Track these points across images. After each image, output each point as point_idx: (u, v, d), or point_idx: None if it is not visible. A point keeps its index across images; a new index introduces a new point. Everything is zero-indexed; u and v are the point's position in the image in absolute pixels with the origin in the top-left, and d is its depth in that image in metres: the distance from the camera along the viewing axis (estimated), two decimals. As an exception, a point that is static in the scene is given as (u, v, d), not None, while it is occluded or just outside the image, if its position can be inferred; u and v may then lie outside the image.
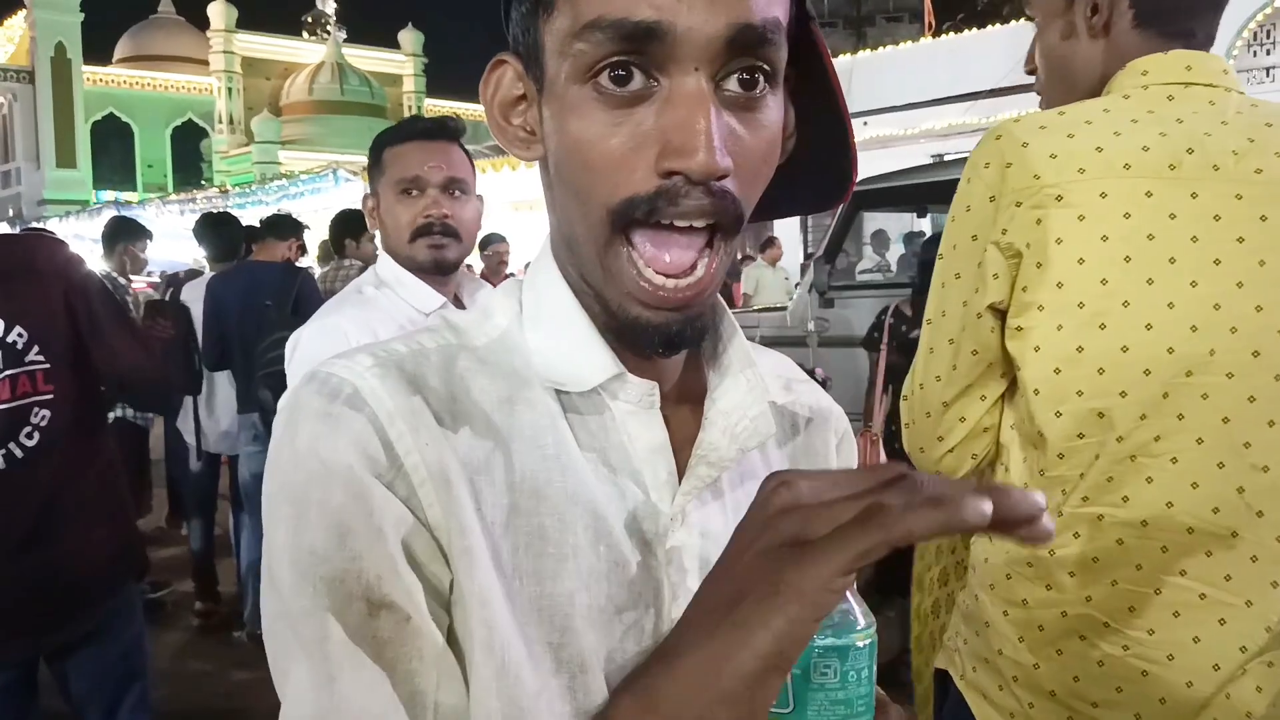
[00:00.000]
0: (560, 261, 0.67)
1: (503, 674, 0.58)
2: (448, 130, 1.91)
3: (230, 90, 36.70)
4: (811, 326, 5.57)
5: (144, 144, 39.09)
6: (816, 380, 0.86)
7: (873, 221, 8.57)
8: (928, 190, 5.48)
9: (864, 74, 12.77)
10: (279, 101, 37.47)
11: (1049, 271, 1.16)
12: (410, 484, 0.58)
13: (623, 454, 0.65)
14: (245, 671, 3.88)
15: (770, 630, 0.45)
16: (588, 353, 0.64)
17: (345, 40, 39.73)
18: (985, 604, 1.29)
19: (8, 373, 1.85)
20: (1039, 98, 1.39)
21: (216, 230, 4.68)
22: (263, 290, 3.90)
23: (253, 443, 4.05)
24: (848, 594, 0.52)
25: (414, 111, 37.77)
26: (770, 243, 10.23)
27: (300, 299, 3.86)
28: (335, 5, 41.50)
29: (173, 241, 12.52)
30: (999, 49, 11.92)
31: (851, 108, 0.68)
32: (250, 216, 7.03)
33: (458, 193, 1.87)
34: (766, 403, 0.69)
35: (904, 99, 12.61)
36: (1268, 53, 11.70)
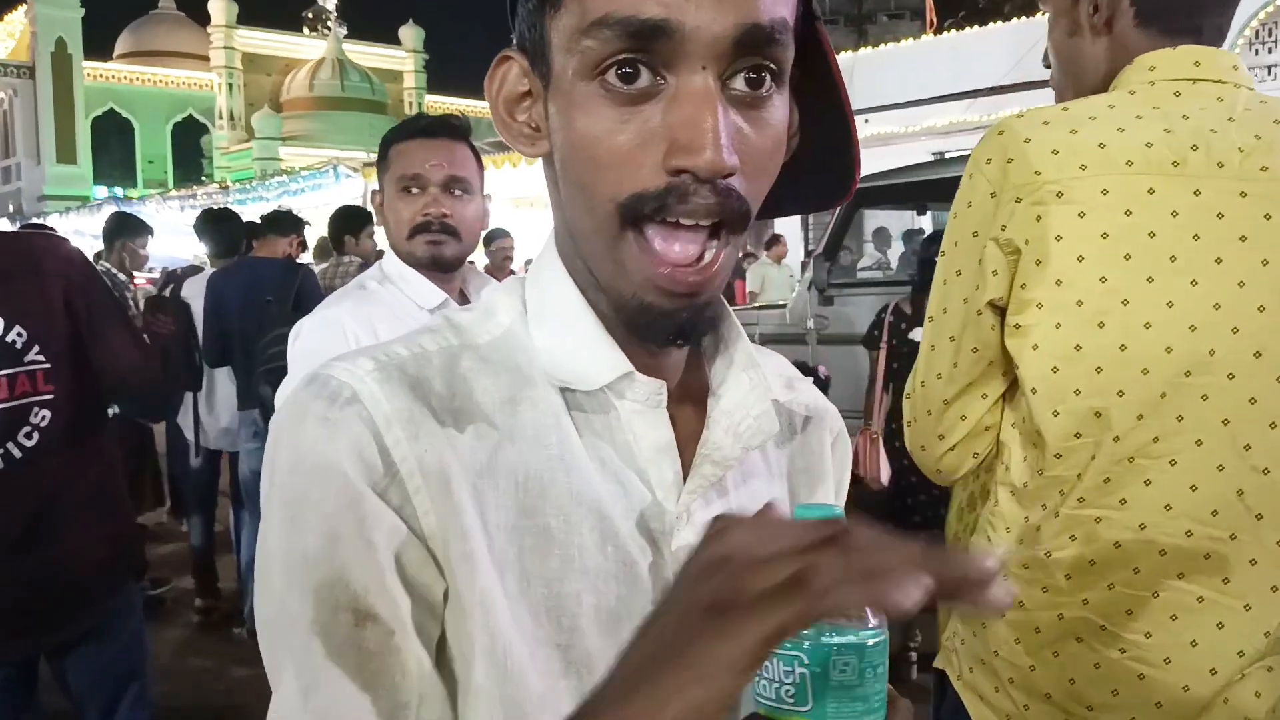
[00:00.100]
0: (565, 258, 0.67)
1: (505, 680, 0.58)
2: (451, 128, 1.91)
3: (231, 86, 36.70)
4: (811, 324, 5.58)
5: (144, 140, 39.08)
6: (819, 378, 0.86)
7: (873, 219, 8.57)
8: (928, 188, 5.47)
9: (865, 71, 12.74)
10: (279, 97, 37.45)
11: (1048, 269, 1.15)
12: (405, 491, 0.58)
13: (628, 453, 0.65)
14: (245, 668, 3.88)
15: (681, 702, 0.42)
16: (596, 351, 0.64)
17: (346, 36, 39.72)
18: None
19: (6, 372, 1.85)
20: (1039, 95, 1.38)
21: (217, 226, 4.68)
22: (263, 286, 3.90)
23: (253, 439, 4.05)
24: None
25: (414, 107, 37.80)
26: (776, 240, 10.23)
27: (301, 295, 3.86)
28: (336, 1, 41.48)
29: (173, 237, 12.52)
30: (1000, 47, 11.92)
31: (853, 105, 0.68)
32: (251, 213, 7.03)
33: (459, 191, 1.88)
34: (769, 401, 0.69)
35: (905, 96, 12.59)
36: (1269, 51, 11.68)
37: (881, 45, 16.04)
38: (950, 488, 1.40)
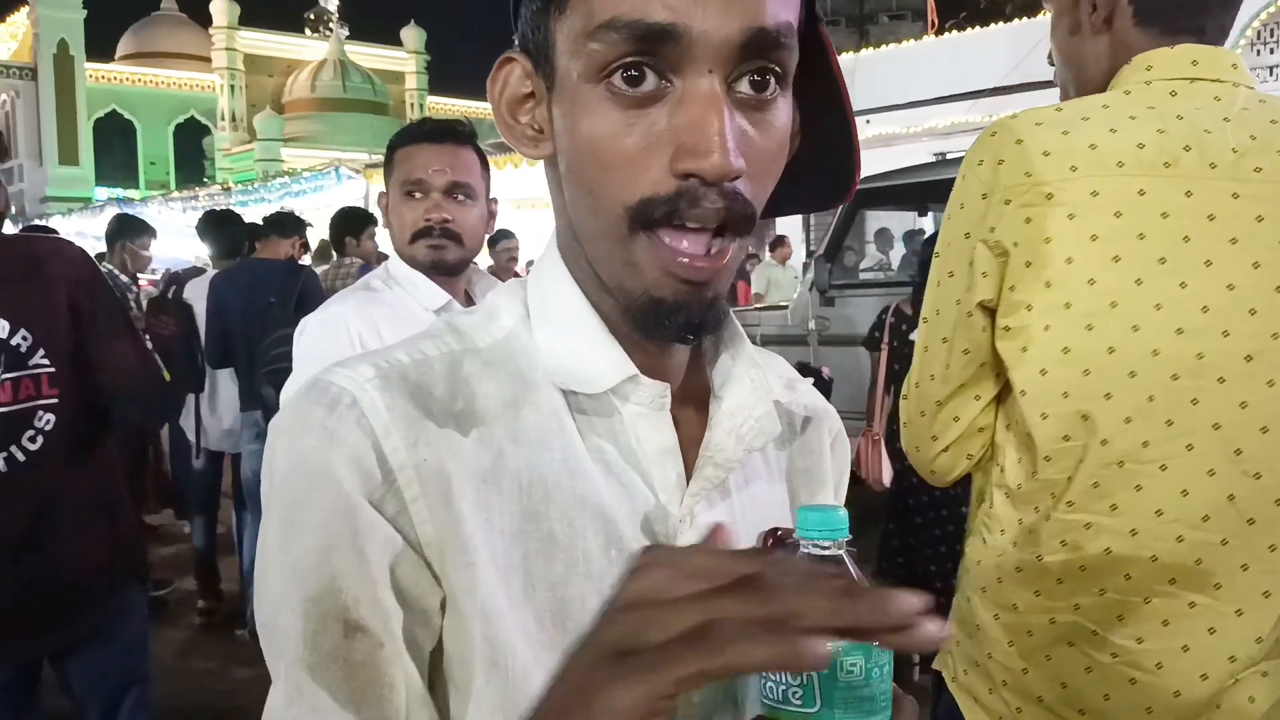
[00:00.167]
0: (568, 259, 0.67)
1: (507, 686, 0.58)
2: (455, 133, 1.92)
3: (233, 87, 36.73)
4: (812, 325, 5.57)
5: (146, 141, 39.13)
6: (822, 379, 0.86)
7: (875, 220, 8.57)
8: (930, 189, 5.46)
9: (866, 72, 12.74)
10: (281, 99, 37.49)
11: (1038, 271, 1.15)
12: (402, 500, 0.58)
13: (632, 456, 0.64)
14: (247, 669, 3.88)
15: None
16: (600, 353, 0.64)
17: (348, 37, 39.75)
18: (977, 607, 1.28)
19: (10, 375, 1.85)
20: (1041, 95, 1.38)
21: (220, 228, 4.68)
22: (266, 288, 3.90)
23: (255, 440, 4.05)
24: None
25: (416, 108, 37.84)
26: (780, 241, 10.22)
27: (304, 296, 3.86)
28: (338, 2, 41.52)
29: (175, 238, 12.52)
30: (1002, 47, 11.92)
31: (854, 106, 0.68)
32: (253, 214, 7.04)
33: (461, 196, 1.89)
34: (771, 402, 0.69)
35: (906, 97, 12.58)
36: (1271, 51, 11.67)
37: (883, 46, 16.04)
38: (953, 490, 1.40)
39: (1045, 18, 1.38)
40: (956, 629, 1.34)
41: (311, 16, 41.42)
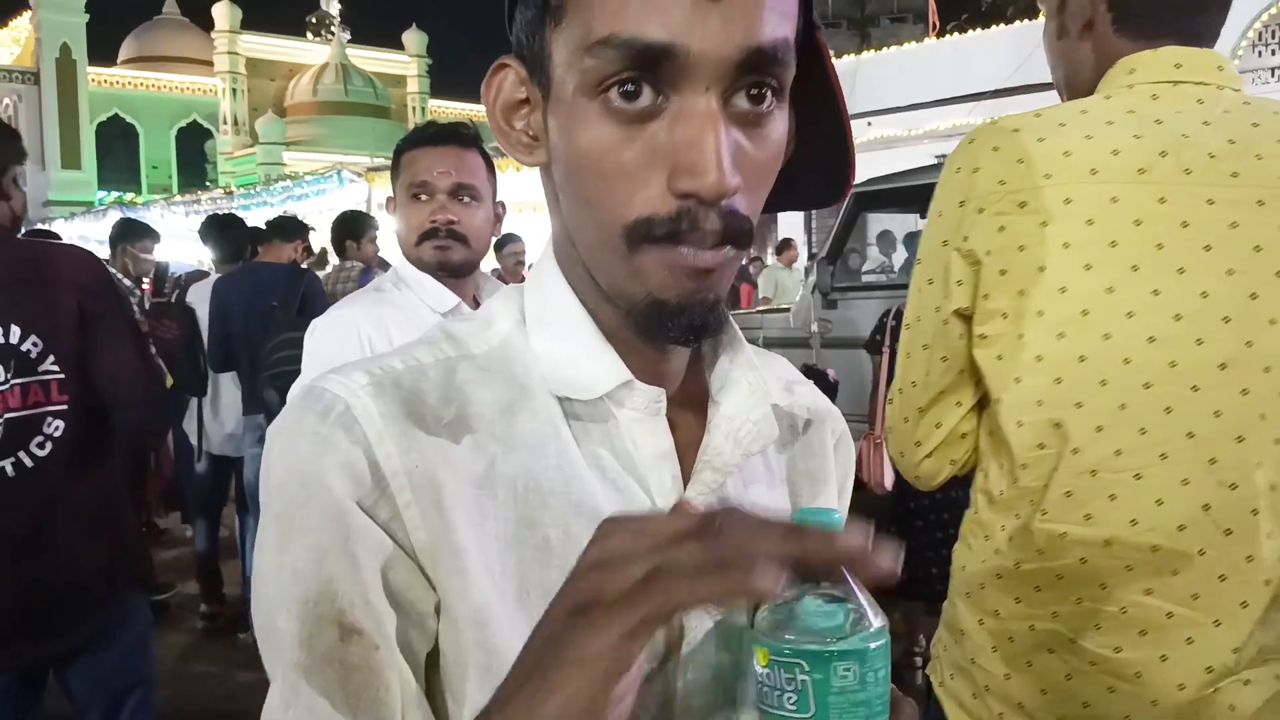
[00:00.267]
0: (564, 265, 0.67)
1: None
2: (459, 136, 1.94)
3: (235, 91, 36.76)
4: (814, 328, 5.57)
5: (149, 145, 39.15)
6: (828, 382, 0.86)
7: (877, 222, 8.57)
8: (931, 191, 5.44)
9: (868, 74, 12.75)
10: (283, 102, 37.51)
11: (1012, 279, 1.14)
12: (395, 506, 0.58)
13: (628, 461, 0.65)
14: (249, 673, 3.88)
15: (558, 698, 0.45)
16: (595, 359, 0.64)
17: (349, 41, 39.75)
18: (963, 612, 1.28)
19: (19, 381, 1.85)
20: (1042, 98, 1.38)
21: (222, 232, 4.69)
22: (268, 292, 3.91)
23: (257, 444, 4.06)
24: (859, 595, 0.52)
25: (418, 112, 37.90)
26: (786, 244, 10.23)
27: (306, 300, 3.87)
28: (339, 6, 41.57)
29: (178, 242, 12.53)
30: (1003, 50, 11.91)
31: (855, 108, 0.68)
32: (255, 218, 7.05)
33: (466, 198, 1.91)
34: (769, 406, 0.69)
35: (908, 100, 12.58)
36: (1273, 53, 11.66)
37: (884, 48, 16.05)
38: (954, 494, 1.40)
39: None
40: (944, 633, 1.34)
41: (313, 20, 41.46)
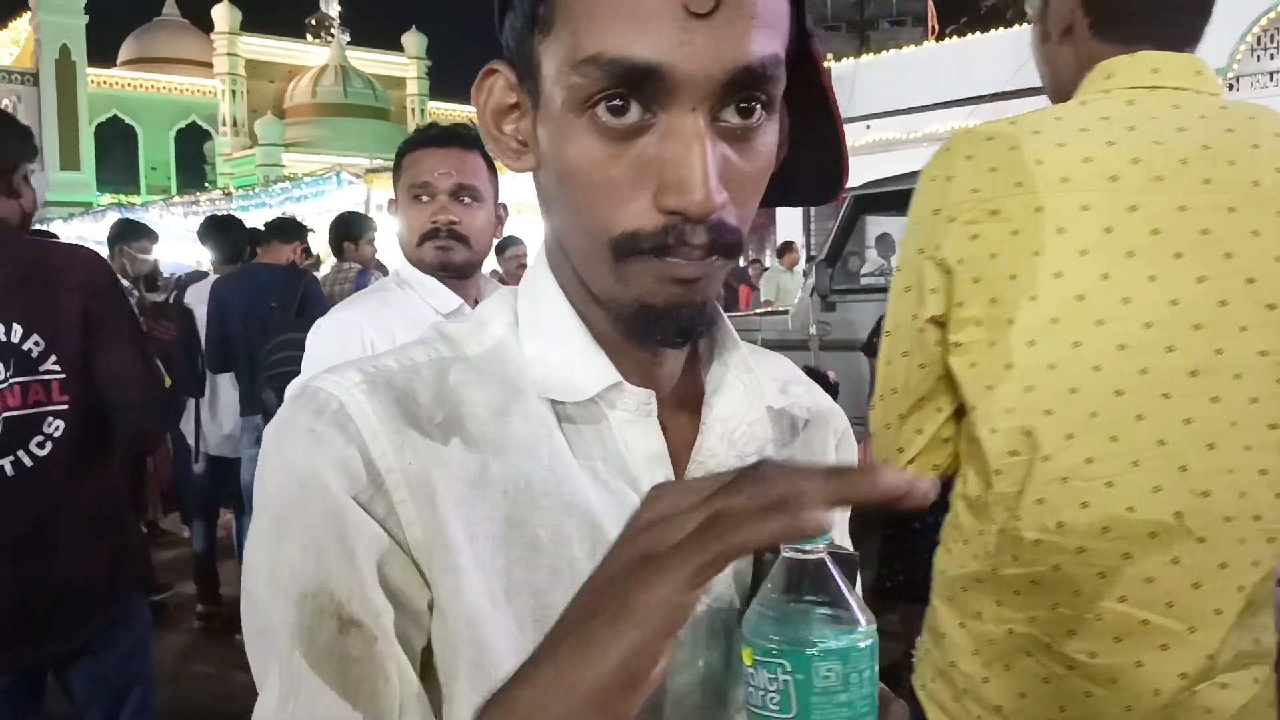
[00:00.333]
0: (555, 269, 0.67)
1: (491, 689, 0.58)
2: (460, 137, 1.94)
3: (234, 93, 36.75)
4: (813, 330, 5.57)
5: (148, 146, 39.12)
6: (830, 383, 0.86)
7: (876, 225, 8.57)
8: (930, 194, 5.45)
9: (867, 78, 12.76)
10: (283, 104, 37.49)
11: (985, 287, 1.14)
12: (390, 502, 0.59)
13: (620, 463, 0.65)
14: (247, 674, 3.77)
15: (616, 650, 0.45)
16: (584, 362, 0.65)
17: (349, 43, 39.74)
18: (943, 615, 1.28)
19: (19, 380, 1.85)
20: (1041, 101, 1.38)
21: (221, 233, 4.70)
22: (267, 293, 3.91)
23: (255, 445, 4.05)
24: (847, 595, 0.52)
25: (418, 114, 37.91)
26: (788, 247, 10.22)
27: (305, 301, 3.87)
28: (339, 8, 41.57)
29: (177, 243, 12.51)
30: (1002, 53, 11.92)
31: (854, 111, 0.68)
32: (254, 219, 7.05)
33: (467, 199, 1.91)
34: (764, 408, 0.70)
35: (907, 103, 12.58)
36: (1271, 57, 11.67)
37: (884, 51, 16.06)
38: (950, 496, 1.40)
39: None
40: (926, 637, 1.34)
41: (313, 22, 41.44)
